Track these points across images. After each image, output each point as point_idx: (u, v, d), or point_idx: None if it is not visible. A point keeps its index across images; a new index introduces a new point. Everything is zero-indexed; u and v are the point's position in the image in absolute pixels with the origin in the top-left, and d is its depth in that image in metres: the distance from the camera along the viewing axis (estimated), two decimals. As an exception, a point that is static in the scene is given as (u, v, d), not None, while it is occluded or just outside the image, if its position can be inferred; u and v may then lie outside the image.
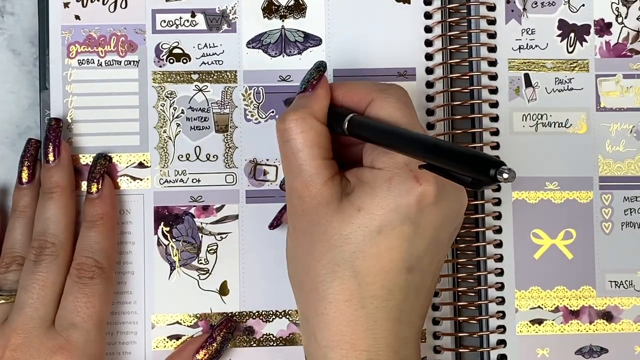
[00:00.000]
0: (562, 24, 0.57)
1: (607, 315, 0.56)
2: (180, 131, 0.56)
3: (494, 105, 0.56)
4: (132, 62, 0.56)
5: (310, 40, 0.56)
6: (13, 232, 0.54)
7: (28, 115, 0.57)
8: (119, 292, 0.55)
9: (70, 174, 0.54)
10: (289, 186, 0.48)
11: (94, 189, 0.53)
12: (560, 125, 0.57)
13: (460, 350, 0.56)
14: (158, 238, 0.55)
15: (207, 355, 0.53)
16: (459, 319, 0.56)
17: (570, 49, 0.57)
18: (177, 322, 0.55)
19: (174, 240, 0.55)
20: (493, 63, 0.57)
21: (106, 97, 0.55)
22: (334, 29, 0.56)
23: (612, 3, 0.57)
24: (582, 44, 0.57)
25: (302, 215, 0.47)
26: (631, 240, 0.56)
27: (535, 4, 0.57)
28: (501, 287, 0.56)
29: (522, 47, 0.57)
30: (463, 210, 0.49)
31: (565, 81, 0.57)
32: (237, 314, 0.55)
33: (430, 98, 0.56)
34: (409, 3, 0.57)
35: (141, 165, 0.55)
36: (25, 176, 0.54)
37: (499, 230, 0.56)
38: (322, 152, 0.47)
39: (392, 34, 0.56)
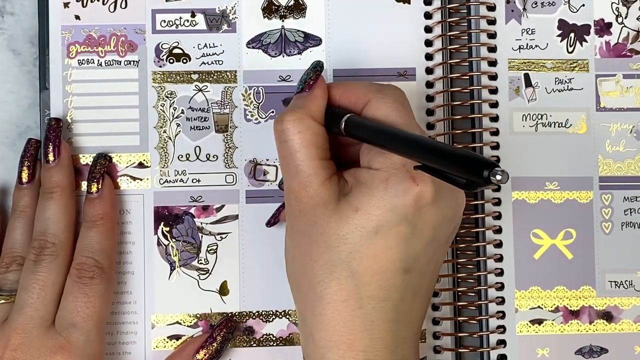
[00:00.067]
0: (562, 24, 0.57)
1: (607, 315, 0.56)
2: (180, 131, 0.56)
3: (494, 105, 0.56)
4: (132, 62, 0.56)
5: (310, 40, 0.56)
6: (13, 232, 0.54)
7: (28, 115, 0.57)
8: (119, 292, 0.55)
9: (70, 174, 0.54)
10: (287, 187, 0.48)
11: (94, 189, 0.53)
12: (560, 125, 0.57)
13: (460, 350, 0.56)
14: (158, 238, 0.55)
15: (207, 355, 0.53)
16: (459, 319, 0.56)
17: (570, 49, 0.57)
18: (177, 322, 0.55)
19: (174, 240, 0.55)
20: (493, 63, 0.57)
21: (106, 97, 0.55)
22: (334, 29, 0.56)
23: (612, 3, 0.57)
24: (582, 44, 0.57)
25: (299, 216, 0.47)
26: (631, 240, 0.56)
27: (535, 4, 0.57)
28: (501, 287, 0.56)
29: (522, 47, 0.57)
30: (461, 210, 0.49)
31: (565, 81, 0.57)
32: (237, 314, 0.55)
33: (430, 98, 0.56)
34: (409, 3, 0.57)
35: (141, 165, 0.55)
36: (25, 176, 0.54)
37: (499, 230, 0.56)
38: (319, 152, 0.47)
39: (392, 34, 0.56)
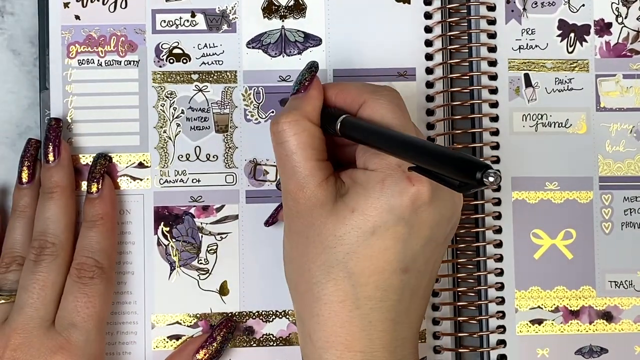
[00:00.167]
0: (562, 24, 0.57)
1: (607, 315, 0.56)
2: (180, 131, 0.56)
3: (494, 105, 0.56)
4: (132, 62, 0.56)
5: (310, 40, 0.56)
6: (13, 232, 0.54)
7: (28, 115, 0.57)
8: (119, 292, 0.55)
9: (70, 174, 0.54)
10: (284, 188, 0.48)
11: (94, 189, 0.53)
12: (560, 125, 0.57)
13: (460, 350, 0.56)
14: (158, 238, 0.55)
15: (207, 355, 0.53)
16: (459, 319, 0.56)
17: (570, 49, 0.57)
18: (177, 322, 0.55)
19: (174, 240, 0.55)
20: (493, 63, 0.57)
21: (106, 97, 0.55)
22: (333, 29, 0.56)
23: (612, 3, 0.57)
24: (582, 44, 0.57)
25: (296, 217, 0.47)
26: (631, 240, 0.56)
27: (535, 4, 0.57)
28: (501, 287, 0.56)
29: (522, 47, 0.57)
30: (459, 209, 0.49)
31: (565, 81, 0.57)
32: (237, 314, 0.55)
33: (430, 98, 0.56)
34: (409, 3, 0.57)
35: (141, 165, 0.55)
36: (25, 176, 0.54)
37: (499, 230, 0.56)
38: (315, 153, 0.47)
39: (392, 34, 0.56)
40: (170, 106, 0.56)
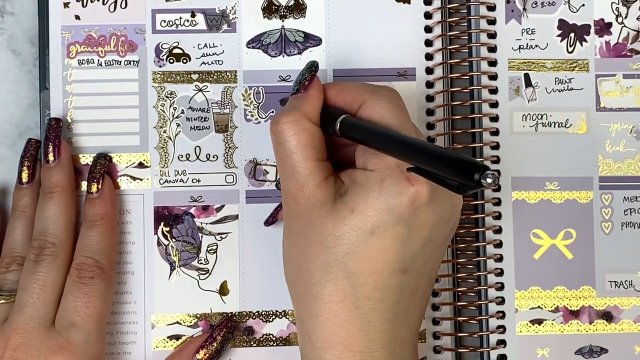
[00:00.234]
0: (562, 24, 0.57)
1: (607, 315, 0.56)
2: (180, 131, 0.56)
3: (494, 105, 0.56)
4: (132, 62, 0.56)
5: (310, 40, 0.56)
6: (13, 232, 0.54)
7: (28, 115, 0.57)
8: (119, 292, 0.55)
9: (70, 174, 0.54)
10: (284, 188, 0.48)
11: (94, 189, 0.53)
12: (560, 125, 0.57)
13: (460, 350, 0.56)
14: (158, 238, 0.55)
15: (207, 355, 0.53)
16: (459, 319, 0.56)
17: (570, 49, 0.57)
18: (177, 322, 0.55)
19: (174, 240, 0.55)
20: (493, 63, 0.57)
21: (106, 97, 0.55)
22: (333, 29, 0.56)
23: (612, 3, 0.57)
24: (582, 44, 0.57)
25: (296, 217, 0.47)
26: (631, 240, 0.56)
27: (535, 4, 0.57)
28: (501, 287, 0.56)
29: (522, 47, 0.57)
30: (458, 210, 0.49)
31: (565, 81, 0.57)
32: (237, 314, 0.55)
33: (430, 98, 0.56)
34: (409, 3, 0.57)
35: (141, 165, 0.55)
36: (25, 176, 0.54)
37: (499, 230, 0.56)
38: (315, 153, 0.47)
39: (392, 34, 0.56)
40: (170, 106, 0.56)
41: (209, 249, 0.55)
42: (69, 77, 0.55)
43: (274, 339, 0.55)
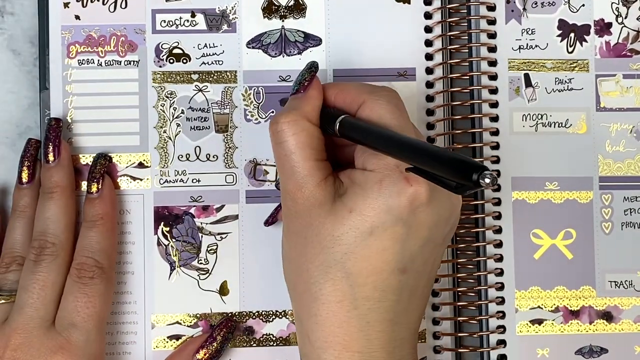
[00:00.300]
0: (562, 24, 0.57)
1: (607, 315, 0.56)
2: (180, 131, 0.56)
3: (494, 105, 0.56)
4: (132, 62, 0.56)
5: (310, 40, 0.56)
6: (13, 232, 0.54)
7: (28, 115, 0.57)
8: (119, 292, 0.55)
9: (70, 174, 0.54)
10: (283, 188, 0.48)
11: (94, 189, 0.53)
12: (560, 125, 0.57)
13: (460, 350, 0.56)
14: (158, 238, 0.55)
15: (207, 355, 0.53)
16: (459, 319, 0.56)
17: (570, 49, 0.57)
18: (177, 322, 0.55)
19: (174, 240, 0.55)
20: (493, 63, 0.57)
21: (106, 97, 0.55)
22: (333, 29, 0.56)
23: (612, 3, 0.57)
24: (582, 44, 0.57)
25: (295, 217, 0.47)
26: (631, 240, 0.56)
27: (535, 4, 0.57)
28: (501, 287, 0.56)
29: (522, 47, 0.57)
30: (457, 210, 0.49)
31: (565, 81, 0.57)
32: (237, 314, 0.55)
33: (430, 98, 0.56)
34: (409, 3, 0.57)
35: (141, 165, 0.55)
36: (25, 176, 0.54)
37: (499, 230, 0.56)
38: (314, 153, 0.47)
39: (392, 34, 0.56)
40: (170, 106, 0.56)
41: (209, 249, 0.55)
42: (69, 77, 0.55)
43: (274, 339, 0.55)
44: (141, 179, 0.55)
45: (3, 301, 0.52)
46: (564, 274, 0.56)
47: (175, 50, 0.56)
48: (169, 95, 0.56)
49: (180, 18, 0.56)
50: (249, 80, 0.56)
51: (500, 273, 0.56)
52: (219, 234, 0.55)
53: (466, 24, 0.57)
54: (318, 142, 0.48)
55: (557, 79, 0.57)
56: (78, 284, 0.51)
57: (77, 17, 0.56)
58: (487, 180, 0.38)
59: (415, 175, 0.43)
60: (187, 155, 0.55)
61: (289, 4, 0.56)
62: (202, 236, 0.55)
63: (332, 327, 0.46)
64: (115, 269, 0.54)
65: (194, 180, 0.55)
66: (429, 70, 0.56)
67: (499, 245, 0.56)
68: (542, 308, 0.56)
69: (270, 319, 0.55)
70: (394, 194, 0.45)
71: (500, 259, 0.56)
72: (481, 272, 0.56)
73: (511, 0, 0.57)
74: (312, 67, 0.50)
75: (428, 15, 0.56)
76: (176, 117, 0.56)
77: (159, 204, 0.55)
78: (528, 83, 0.57)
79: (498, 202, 0.56)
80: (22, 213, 0.54)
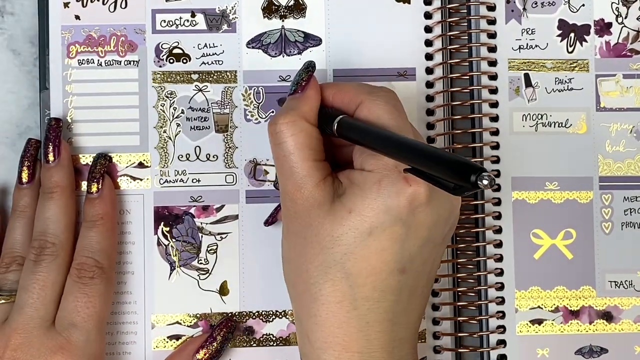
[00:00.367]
0: (562, 24, 0.57)
1: (607, 315, 0.56)
2: (180, 131, 0.56)
3: (494, 105, 0.56)
4: (132, 62, 0.56)
5: (310, 40, 0.56)
6: (13, 232, 0.54)
7: (28, 115, 0.57)
8: (119, 292, 0.55)
9: (70, 174, 0.54)
10: (282, 189, 0.48)
11: (94, 188, 0.53)
12: (560, 125, 0.57)
13: (460, 350, 0.56)
14: (158, 238, 0.55)
15: (207, 354, 0.53)
16: (459, 319, 0.56)
17: (570, 49, 0.57)
18: (177, 322, 0.55)
19: (174, 240, 0.55)
20: (493, 63, 0.57)
21: (106, 97, 0.55)
22: (333, 29, 0.56)
23: (612, 3, 0.57)
24: (582, 44, 0.57)
25: (294, 218, 0.47)
26: (631, 240, 0.56)
27: (535, 4, 0.57)
28: (501, 287, 0.56)
29: (522, 47, 0.57)
30: (457, 210, 0.49)
31: (565, 81, 0.57)
32: (237, 314, 0.55)
33: (430, 98, 0.56)
34: (409, 3, 0.57)
35: (141, 165, 0.55)
36: (25, 176, 0.54)
37: (499, 230, 0.56)
38: (313, 154, 0.47)
39: (392, 34, 0.56)
40: (170, 106, 0.56)
41: (209, 249, 0.55)
42: (69, 77, 0.55)
43: (274, 339, 0.55)
44: (141, 179, 0.55)
45: (3, 301, 0.52)
46: (564, 274, 0.56)
47: (175, 50, 0.56)
48: (169, 95, 0.56)
49: (180, 18, 0.56)
50: (249, 80, 0.56)
51: (500, 273, 0.56)
52: (219, 234, 0.55)
53: (466, 24, 0.57)
54: (317, 143, 0.48)
55: (557, 79, 0.57)
56: (78, 284, 0.51)
57: (77, 17, 0.56)
58: (485, 182, 0.38)
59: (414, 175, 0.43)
60: (187, 155, 0.55)
61: (289, 4, 0.56)
62: (202, 236, 0.55)
63: (331, 327, 0.46)
64: (115, 269, 0.54)
65: (194, 180, 0.55)
66: (429, 70, 0.56)
67: (499, 245, 0.56)
68: (542, 308, 0.56)
69: (270, 319, 0.55)
70: (393, 194, 0.45)
71: (500, 259, 0.56)
72: (481, 272, 0.56)
73: (511, 0, 0.57)
74: (310, 67, 0.50)
75: (428, 15, 0.56)
76: (176, 117, 0.56)
77: (159, 204, 0.55)
78: (528, 83, 0.57)
79: (498, 202, 0.56)
80: (22, 213, 0.54)
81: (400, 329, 0.47)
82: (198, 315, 0.55)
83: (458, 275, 0.56)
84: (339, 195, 0.46)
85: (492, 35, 0.57)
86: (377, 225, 0.45)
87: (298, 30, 0.56)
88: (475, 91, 0.56)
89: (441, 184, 0.40)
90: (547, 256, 0.56)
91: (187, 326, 0.55)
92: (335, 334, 0.46)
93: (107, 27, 0.56)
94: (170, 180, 0.55)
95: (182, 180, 0.55)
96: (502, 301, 0.56)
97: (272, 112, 0.56)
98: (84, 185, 0.55)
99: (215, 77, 0.56)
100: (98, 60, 0.56)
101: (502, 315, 0.56)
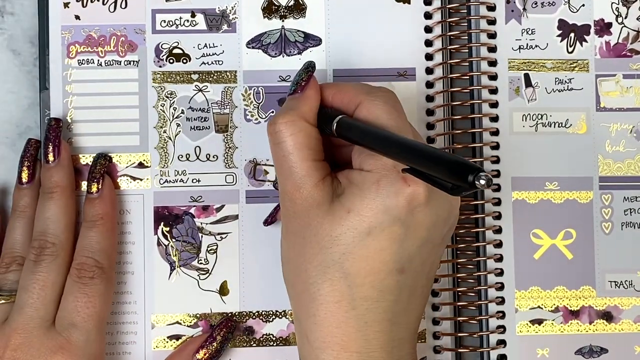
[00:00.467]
0: (562, 24, 0.57)
1: (607, 315, 0.56)
2: (180, 131, 0.56)
3: (494, 105, 0.56)
4: (132, 62, 0.56)
5: (310, 40, 0.56)
6: (13, 232, 0.54)
7: (28, 115, 0.57)
8: (119, 292, 0.55)
9: (70, 174, 0.54)
10: (281, 188, 0.48)
11: (94, 189, 0.53)
12: (560, 125, 0.57)
13: (460, 350, 0.56)
14: (158, 238, 0.55)
15: (207, 354, 0.53)
16: (459, 319, 0.56)
17: (570, 49, 0.57)
18: (177, 322, 0.55)
19: (173, 240, 0.55)
20: (493, 63, 0.57)
21: (106, 97, 0.55)
22: (333, 29, 0.56)
23: (612, 3, 0.57)
24: (582, 44, 0.57)
25: (293, 217, 0.47)
26: (631, 240, 0.56)
27: (535, 4, 0.57)
28: (501, 287, 0.56)
29: (522, 47, 0.57)
30: (456, 210, 0.49)
31: (565, 81, 0.57)
32: (237, 314, 0.55)
33: (430, 98, 0.56)
34: (409, 3, 0.57)
35: (141, 165, 0.55)
36: (25, 176, 0.54)
37: (499, 230, 0.56)
38: (312, 154, 0.47)
39: (392, 34, 0.56)
40: (170, 106, 0.56)
41: (209, 249, 0.55)
42: (69, 77, 0.55)
43: (273, 339, 0.55)
44: (141, 179, 0.55)
45: (3, 301, 0.52)
46: (564, 274, 0.56)
47: (175, 50, 0.56)
48: (169, 95, 0.56)
49: (180, 18, 0.56)
50: (249, 80, 0.56)
51: (500, 273, 0.56)
52: (219, 234, 0.55)
53: (466, 24, 0.57)
54: (316, 143, 0.48)
55: (557, 79, 0.57)
56: (78, 284, 0.51)
57: (77, 17, 0.56)
58: (482, 182, 0.38)
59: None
60: (187, 155, 0.56)
61: (289, 4, 0.56)
62: (202, 236, 0.55)
63: (330, 327, 0.46)
64: (115, 269, 0.54)
65: (194, 180, 0.55)
66: (429, 70, 0.56)
67: (499, 245, 0.56)
68: (542, 308, 0.56)
69: (270, 319, 0.55)
70: (392, 194, 0.45)
71: (500, 259, 0.56)
72: (481, 272, 0.56)
73: (511, 0, 0.57)
74: (309, 67, 0.50)
75: (428, 15, 0.56)
76: (176, 117, 0.56)
77: (159, 204, 0.55)
78: (528, 83, 0.57)
79: (498, 202, 0.56)
80: (22, 213, 0.54)
81: (400, 329, 0.47)
82: (198, 315, 0.55)
83: (458, 275, 0.56)
84: (338, 195, 0.47)
85: (492, 36, 0.57)
86: (376, 225, 0.45)
87: (298, 31, 0.56)
88: (475, 91, 0.56)
89: (439, 184, 0.40)
90: (547, 256, 0.56)
91: (187, 326, 0.55)
92: (333, 334, 0.46)
93: (107, 27, 0.56)
94: (170, 180, 0.55)
95: (182, 180, 0.55)
96: (502, 301, 0.56)
97: (272, 112, 0.56)
98: (84, 185, 0.55)
99: (215, 77, 0.56)
100: (98, 60, 0.56)
101: (502, 315, 0.56)
